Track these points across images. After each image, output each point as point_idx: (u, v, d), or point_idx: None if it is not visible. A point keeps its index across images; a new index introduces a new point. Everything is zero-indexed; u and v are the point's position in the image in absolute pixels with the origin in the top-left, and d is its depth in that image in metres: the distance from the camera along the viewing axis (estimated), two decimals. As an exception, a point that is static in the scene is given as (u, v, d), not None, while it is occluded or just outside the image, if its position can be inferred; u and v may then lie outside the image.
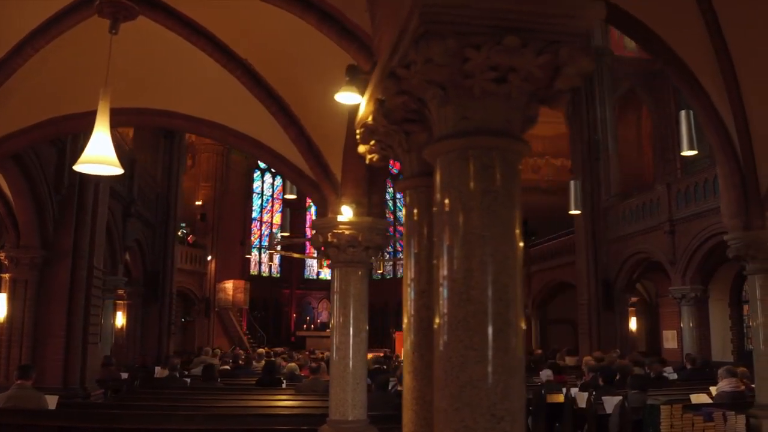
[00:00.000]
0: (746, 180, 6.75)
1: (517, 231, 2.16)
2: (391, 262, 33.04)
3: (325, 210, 5.81)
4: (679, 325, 15.29)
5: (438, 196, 2.21)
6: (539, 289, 22.75)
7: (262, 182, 32.40)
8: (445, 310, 2.12)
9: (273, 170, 33.03)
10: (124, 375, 10.09)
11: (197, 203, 23.99)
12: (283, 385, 9.09)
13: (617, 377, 7.93)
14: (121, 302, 14.16)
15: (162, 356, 13.60)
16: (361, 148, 3.10)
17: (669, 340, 16.50)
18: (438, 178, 2.22)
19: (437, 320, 2.17)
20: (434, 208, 2.27)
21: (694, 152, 8.60)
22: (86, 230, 8.48)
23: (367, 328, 5.84)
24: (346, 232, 5.67)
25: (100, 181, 8.75)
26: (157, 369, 10.64)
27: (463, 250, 2.10)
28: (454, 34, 2.01)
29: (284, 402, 7.27)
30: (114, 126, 4.89)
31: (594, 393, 7.44)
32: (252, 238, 30.63)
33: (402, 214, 32.79)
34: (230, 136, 5.93)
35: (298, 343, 29.08)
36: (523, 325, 2.20)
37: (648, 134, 20.45)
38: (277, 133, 5.71)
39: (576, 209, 11.53)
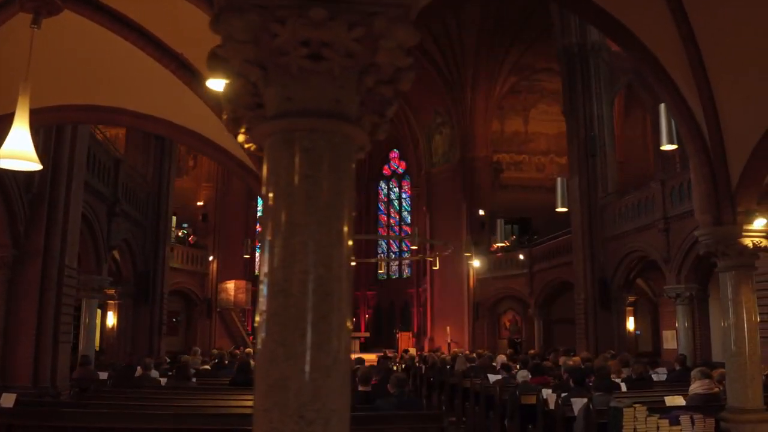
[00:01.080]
0: (716, 173, 6.50)
1: (344, 221, 2.02)
2: (396, 262, 32.93)
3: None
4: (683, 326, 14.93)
5: (264, 183, 2.08)
6: (541, 288, 22.44)
7: (268, 183, 32.46)
8: (264, 306, 1.99)
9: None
10: (104, 374, 10.07)
11: (198, 204, 24.06)
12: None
13: (594, 379, 7.69)
14: (112, 302, 14.19)
15: (153, 356, 13.59)
16: (240, 138, 2.98)
17: (669, 340, 16.15)
18: (264, 163, 2.08)
19: (257, 317, 2.04)
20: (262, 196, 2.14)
21: (674, 146, 8.38)
22: (58, 229, 8.47)
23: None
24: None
25: (73, 179, 8.74)
26: (138, 368, 10.60)
27: (281, 239, 1.96)
28: (256, 8, 1.87)
29: (246, 402, 7.17)
30: (59, 122, 4.82)
31: (564, 395, 7.24)
32: (257, 239, 30.66)
33: (407, 213, 32.61)
34: (175, 131, 5.84)
35: (305, 344, 29.00)
36: (348, 324, 2.06)
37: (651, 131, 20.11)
38: (221, 127, 5.60)
39: (563, 206, 11.29)
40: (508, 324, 26.00)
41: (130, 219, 13.80)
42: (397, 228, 34.11)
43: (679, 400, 7.25)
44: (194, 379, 9.33)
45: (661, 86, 6.77)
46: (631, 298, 16.70)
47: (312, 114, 2.02)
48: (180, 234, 22.82)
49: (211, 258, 24.07)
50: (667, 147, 8.24)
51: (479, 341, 25.10)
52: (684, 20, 6.23)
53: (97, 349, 14.50)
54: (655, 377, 10.62)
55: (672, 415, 6.18)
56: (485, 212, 25.79)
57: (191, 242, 23.09)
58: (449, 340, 26.26)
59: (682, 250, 13.00)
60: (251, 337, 27.86)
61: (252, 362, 10.64)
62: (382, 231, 34.25)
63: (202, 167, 24.52)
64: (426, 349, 26.45)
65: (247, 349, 14.03)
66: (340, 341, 1.97)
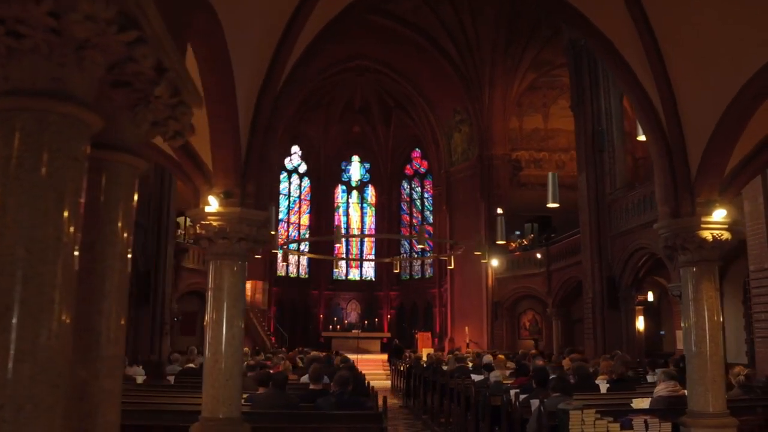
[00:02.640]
0: (675, 162, 6.16)
1: (57, 203, 1.92)
2: (419, 262, 32.69)
3: (198, 201, 5.65)
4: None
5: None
6: (559, 288, 21.89)
7: (289, 183, 32.69)
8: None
9: (300, 171, 33.33)
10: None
11: (215, 205, 24.29)
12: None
13: (553, 380, 7.39)
14: (114, 302, 14.36)
15: (155, 355, 13.79)
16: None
17: (681, 340, 15.48)
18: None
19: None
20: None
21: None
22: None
23: (242, 324, 5.63)
24: (215, 224, 5.49)
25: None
26: (128, 368, 10.74)
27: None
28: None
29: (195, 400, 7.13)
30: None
31: (524, 396, 6.98)
32: (279, 240, 30.90)
33: (429, 213, 32.31)
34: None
35: (327, 344, 29.08)
36: (66, 313, 1.95)
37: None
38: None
39: (554, 202, 10.93)
40: (528, 324, 25.48)
41: (127, 220, 13.88)
42: (419, 228, 33.83)
43: (646, 403, 6.91)
44: (170, 378, 9.36)
45: (618, 73, 6.46)
46: (641, 297, 16.12)
47: (24, 93, 1.93)
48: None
49: (228, 259, 24.25)
50: (643, 138, 7.86)
51: (498, 341, 24.68)
52: (636, 3, 5.92)
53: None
54: (650, 378, 10.21)
55: (625, 418, 5.87)
56: (503, 211, 25.35)
57: (264, 243, 23.28)
58: (468, 341, 25.91)
59: (687, 246, 12.43)
60: (273, 338, 28.10)
61: None
62: (404, 231, 34.08)
63: (219, 169, 24.75)
64: (446, 349, 26.15)
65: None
66: (42, 327, 1.87)
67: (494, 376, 8.46)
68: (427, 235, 30.46)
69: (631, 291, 15.20)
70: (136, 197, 2.76)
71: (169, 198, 15.81)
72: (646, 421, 5.81)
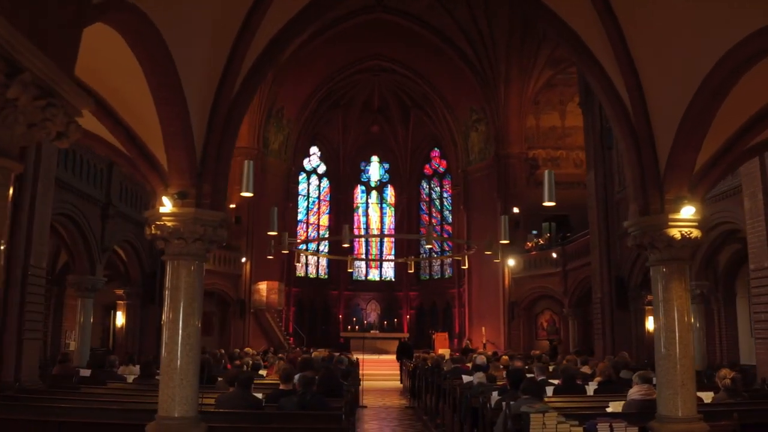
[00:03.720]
0: (644, 158, 5.96)
1: None
2: (438, 262, 32.48)
3: (154, 201, 5.69)
4: (705, 327, 13.90)
5: None
6: (575, 287, 21.50)
7: (308, 184, 32.83)
8: None
9: (319, 172, 33.45)
10: (87, 372, 10.44)
11: (231, 206, 24.57)
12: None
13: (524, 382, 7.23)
14: (121, 302, 14.70)
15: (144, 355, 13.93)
16: None
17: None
18: None
19: None
20: None
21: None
22: (22, 231, 8.82)
23: (198, 324, 5.66)
24: (169, 224, 5.52)
25: (39, 182, 9.10)
26: (122, 367, 10.93)
27: None
28: None
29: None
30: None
31: (497, 398, 6.86)
32: (298, 240, 31.02)
33: (449, 213, 32.13)
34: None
35: (346, 344, 29.13)
36: None
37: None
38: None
39: (550, 200, 10.65)
40: (545, 325, 25.10)
41: (130, 220, 14.25)
42: (438, 228, 33.65)
43: (621, 407, 6.71)
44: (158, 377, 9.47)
45: (586, 66, 6.29)
46: (651, 297, 15.66)
47: None
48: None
49: (244, 259, 24.55)
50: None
51: (515, 342, 24.38)
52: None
53: (110, 348, 15.11)
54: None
55: (590, 422, 5.70)
56: (520, 210, 25.04)
57: (223, 244, 23.61)
58: (484, 341, 25.65)
59: (692, 245, 12.03)
60: (292, 339, 28.26)
61: (212, 361, 10.70)
62: (424, 231, 33.87)
63: (234, 170, 24.97)
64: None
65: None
66: None
67: (477, 377, 8.33)
68: (436, 234, 30.21)
69: (640, 291, 14.82)
70: (10, 196, 2.76)
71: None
72: (611, 425, 5.64)
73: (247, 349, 13.51)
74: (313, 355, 14.25)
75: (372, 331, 30.08)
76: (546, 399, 7.29)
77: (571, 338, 21.89)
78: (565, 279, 21.92)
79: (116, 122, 5.42)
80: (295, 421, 5.83)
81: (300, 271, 31.67)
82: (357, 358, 20.44)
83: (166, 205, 5.49)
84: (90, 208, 12.08)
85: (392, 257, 33.39)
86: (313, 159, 32.97)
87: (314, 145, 32.66)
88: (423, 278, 33.49)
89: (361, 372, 18.89)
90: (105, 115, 5.39)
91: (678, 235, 5.73)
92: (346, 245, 17.61)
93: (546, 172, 11.01)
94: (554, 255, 22.34)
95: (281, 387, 6.82)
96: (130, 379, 9.53)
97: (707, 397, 7.23)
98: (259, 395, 6.52)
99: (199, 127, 5.60)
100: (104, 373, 9.48)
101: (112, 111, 5.38)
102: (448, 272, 32.29)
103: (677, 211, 5.75)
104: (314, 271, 33.00)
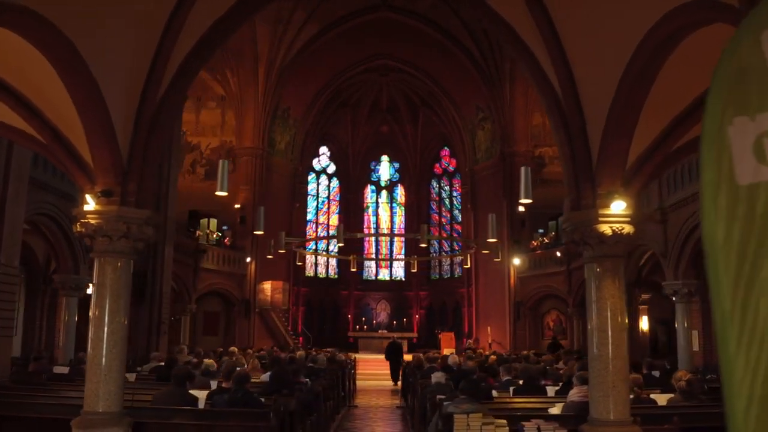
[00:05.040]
0: (576, 151, 5.82)
1: None
2: (448, 262, 32.28)
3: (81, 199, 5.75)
4: (701, 326, 13.58)
5: None
6: (578, 286, 21.12)
7: (317, 184, 32.92)
8: None
9: (329, 172, 33.52)
10: (64, 369, 10.61)
11: (236, 206, 24.77)
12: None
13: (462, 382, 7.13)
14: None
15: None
16: None
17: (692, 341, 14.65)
18: None
19: None
20: None
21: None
22: (-8, 230, 9.03)
23: (124, 321, 5.70)
24: (93, 222, 5.57)
25: (10, 184, 9.28)
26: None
27: None
28: None
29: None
30: None
31: (441, 398, 6.77)
32: (297, 240, 31.03)
33: (458, 212, 31.85)
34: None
35: (355, 344, 29.17)
36: None
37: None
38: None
39: (526, 197, 10.50)
40: (552, 324, 24.77)
41: (118, 221, 14.33)
42: (448, 227, 33.46)
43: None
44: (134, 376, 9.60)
45: (521, 59, 6.17)
46: (645, 296, 15.35)
47: None
48: (215, 236, 23.62)
49: (248, 259, 24.70)
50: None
51: (521, 342, 24.10)
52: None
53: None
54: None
55: (519, 425, 5.58)
56: (526, 208, 24.71)
57: (227, 244, 23.84)
58: (490, 341, 25.42)
59: (678, 242, 11.75)
60: (300, 339, 28.34)
61: (180, 358, 10.78)
62: (434, 230, 33.70)
63: (240, 170, 25.21)
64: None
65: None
66: None
67: (435, 377, 8.23)
68: (437, 233, 29.99)
69: (634, 290, 14.50)
70: None
71: (167, 199, 16.16)
72: (539, 427, 5.51)
73: (232, 348, 13.55)
74: (314, 354, 14.36)
75: (380, 331, 30.03)
76: (497, 399, 7.20)
77: (576, 338, 21.55)
78: (570, 278, 21.60)
79: (42, 122, 5.48)
80: (225, 419, 5.84)
81: (309, 271, 31.77)
82: (354, 358, 20.46)
83: (90, 203, 5.54)
84: (71, 209, 12.20)
85: (402, 257, 33.30)
86: (323, 159, 33.05)
87: (324, 144, 32.74)
88: (433, 278, 33.35)
89: (356, 372, 18.91)
90: (31, 115, 5.46)
91: (609, 231, 5.58)
92: (341, 244, 17.66)
93: (522, 168, 10.90)
94: (558, 254, 22.03)
95: (223, 384, 6.84)
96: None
97: (662, 399, 7.04)
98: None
99: (124, 126, 5.64)
100: (76, 370, 9.63)
101: (37, 110, 5.45)
102: (457, 272, 32.07)
103: (608, 206, 5.60)
104: (324, 271, 33.09)
